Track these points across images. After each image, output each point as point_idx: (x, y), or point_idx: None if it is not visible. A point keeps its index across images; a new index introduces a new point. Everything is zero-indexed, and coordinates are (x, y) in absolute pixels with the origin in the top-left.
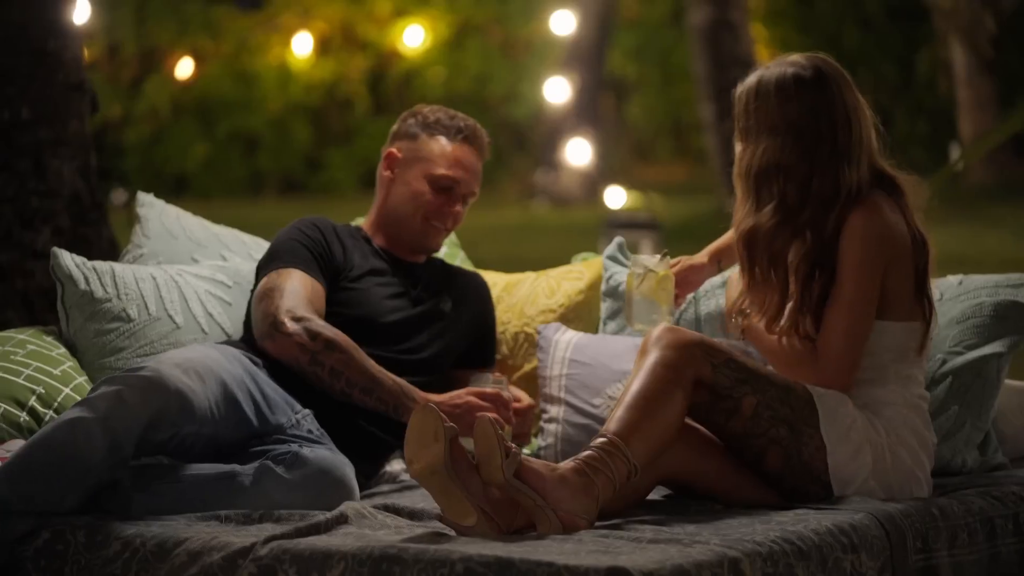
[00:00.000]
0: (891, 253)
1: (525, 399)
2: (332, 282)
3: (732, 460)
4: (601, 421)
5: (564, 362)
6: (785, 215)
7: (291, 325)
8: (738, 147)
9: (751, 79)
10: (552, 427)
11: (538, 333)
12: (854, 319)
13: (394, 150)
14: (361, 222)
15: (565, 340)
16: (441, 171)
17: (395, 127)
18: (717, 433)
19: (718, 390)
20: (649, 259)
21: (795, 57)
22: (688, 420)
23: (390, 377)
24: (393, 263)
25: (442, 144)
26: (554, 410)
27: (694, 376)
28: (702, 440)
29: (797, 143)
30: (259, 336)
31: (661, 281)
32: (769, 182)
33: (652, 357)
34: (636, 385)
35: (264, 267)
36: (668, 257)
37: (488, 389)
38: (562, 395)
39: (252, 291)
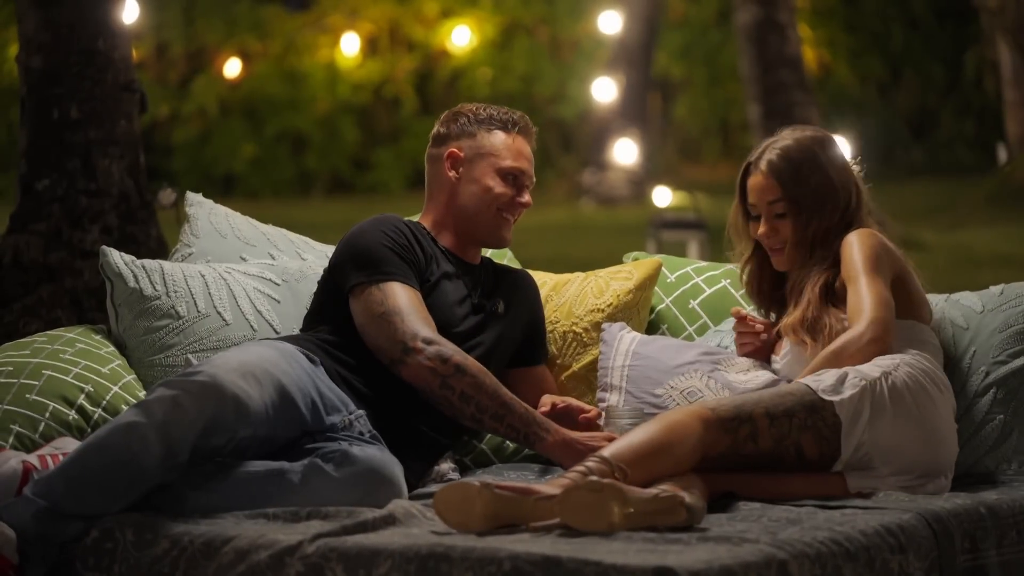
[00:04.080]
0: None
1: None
2: None
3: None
4: (662, 410)
5: (628, 354)
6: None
7: (423, 348)
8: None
9: (777, 151)
10: None
11: (602, 329)
12: (868, 281)
13: (455, 150)
14: (417, 219)
15: (630, 337)
16: (508, 163)
17: (441, 129)
18: (755, 463)
19: (728, 425)
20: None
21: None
22: None
23: (521, 404)
24: (457, 265)
25: (501, 137)
26: (613, 398)
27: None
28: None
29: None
30: (389, 362)
31: None
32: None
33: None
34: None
35: (355, 270)
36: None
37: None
38: (623, 384)
39: (321, 282)
